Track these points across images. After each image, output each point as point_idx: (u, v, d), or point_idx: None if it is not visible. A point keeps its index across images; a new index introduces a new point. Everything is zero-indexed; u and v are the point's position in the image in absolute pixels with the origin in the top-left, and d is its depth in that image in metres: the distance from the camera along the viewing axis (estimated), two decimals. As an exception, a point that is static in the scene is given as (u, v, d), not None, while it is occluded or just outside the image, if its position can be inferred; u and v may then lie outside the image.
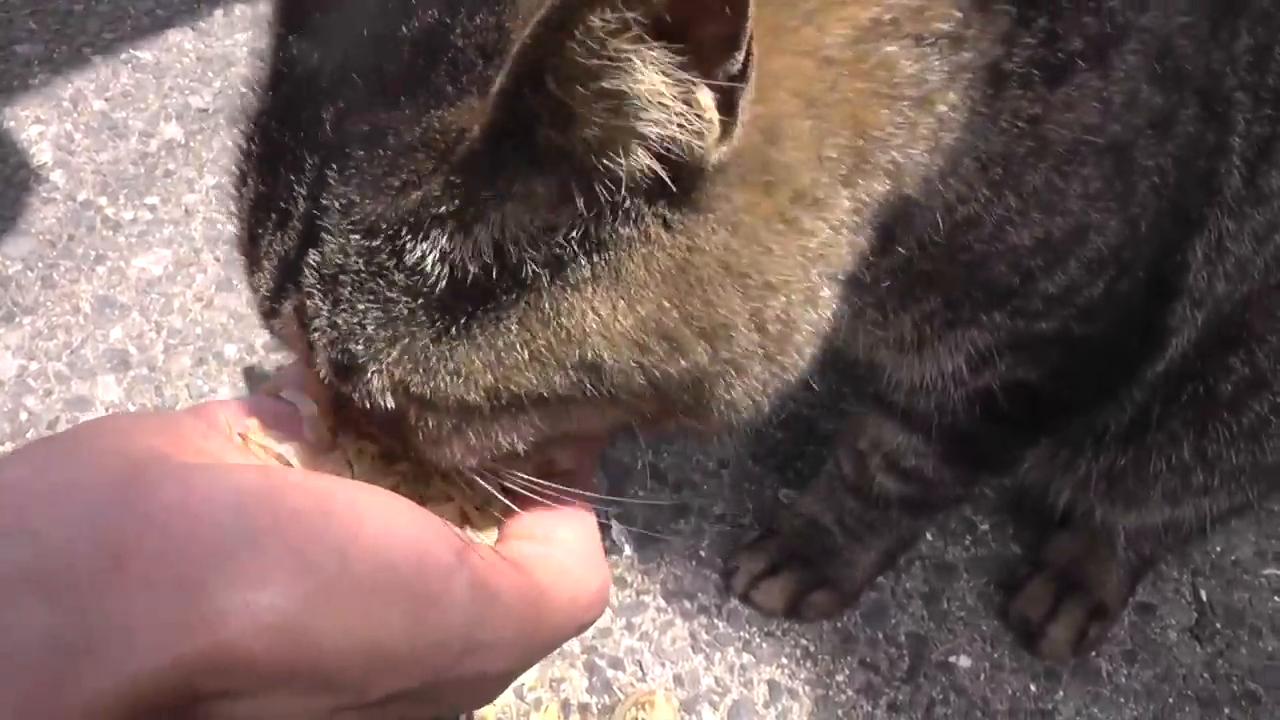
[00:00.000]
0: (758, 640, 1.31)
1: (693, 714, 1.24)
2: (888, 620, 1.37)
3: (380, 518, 0.60)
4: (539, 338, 0.61)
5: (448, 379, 0.62)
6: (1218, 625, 1.45)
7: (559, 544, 0.72)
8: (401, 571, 0.58)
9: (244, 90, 0.68)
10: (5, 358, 1.46)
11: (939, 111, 0.75)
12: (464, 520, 0.74)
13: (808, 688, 1.29)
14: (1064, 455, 1.26)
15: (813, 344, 0.73)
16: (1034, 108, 0.81)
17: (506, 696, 1.22)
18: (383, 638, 0.57)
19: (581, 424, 0.68)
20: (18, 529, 0.52)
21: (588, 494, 0.75)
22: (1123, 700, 1.35)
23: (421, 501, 0.65)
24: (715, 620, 1.32)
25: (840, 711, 1.27)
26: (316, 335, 0.63)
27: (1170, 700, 1.36)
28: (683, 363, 0.64)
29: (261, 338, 1.53)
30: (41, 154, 1.74)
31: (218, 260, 1.61)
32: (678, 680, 1.26)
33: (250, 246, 0.66)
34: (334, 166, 0.60)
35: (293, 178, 0.62)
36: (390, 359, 0.62)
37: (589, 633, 1.28)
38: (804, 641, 1.33)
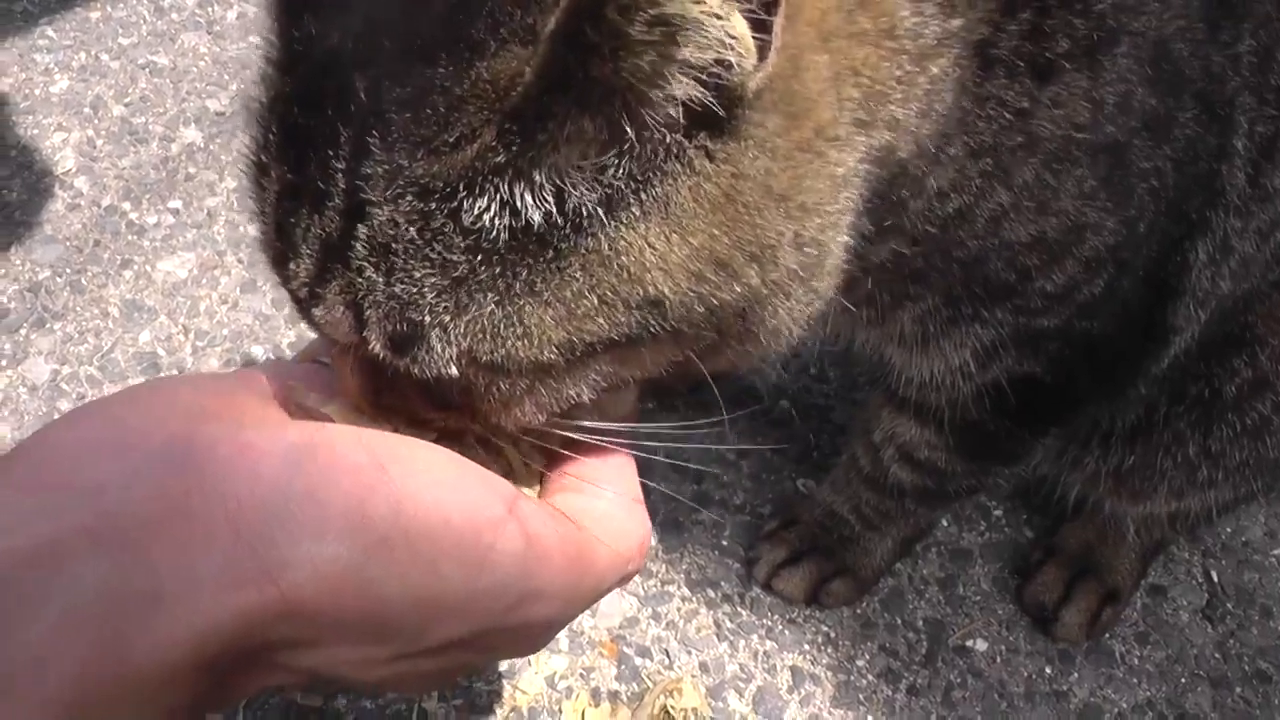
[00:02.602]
0: (780, 627, 1.35)
1: (719, 700, 1.27)
2: (905, 606, 1.40)
3: (433, 470, 0.62)
4: (603, 281, 0.62)
5: (519, 342, 0.62)
6: (1229, 606, 1.48)
7: (601, 494, 0.74)
8: (455, 523, 0.60)
9: (253, 84, 0.68)
10: (38, 362, 1.49)
11: (932, 73, 0.77)
12: (508, 475, 0.75)
13: (829, 673, 1.32)
14: (1072, 452, 1.29)
15: (837, 272, 0.76)
16: (1021, 101, 0.83)
17: (539, 685, 1.25)
18: (438, 587, 0.59)
19: (646, 365, 0.69)
20: (78, 484, 0.55)
21: (631, 441, 0.78)
22: (1136, 681, 1.39)
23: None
24: (738, 608, 1.35)
25: (861, 695, 1.31)
26: (370, 311, 0.62)
27: (1183, 680, 1.40)
28: (736, 288, 0.65)
29: (288, 338, 1.56)
30: (65, 161, 1.76)
31: (241, 262, 1.64)
32: (703, 667, 1.30)
33: (280, 238, 0.65)
34: (375, 134, 0.59)
35: (327, 155, 0.61)
36: (457, 328, 0.62)
37: (616, 621, 1.31)
38: (824, 628, 1.36)
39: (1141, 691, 1.38)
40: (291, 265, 0.65)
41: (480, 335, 0.63)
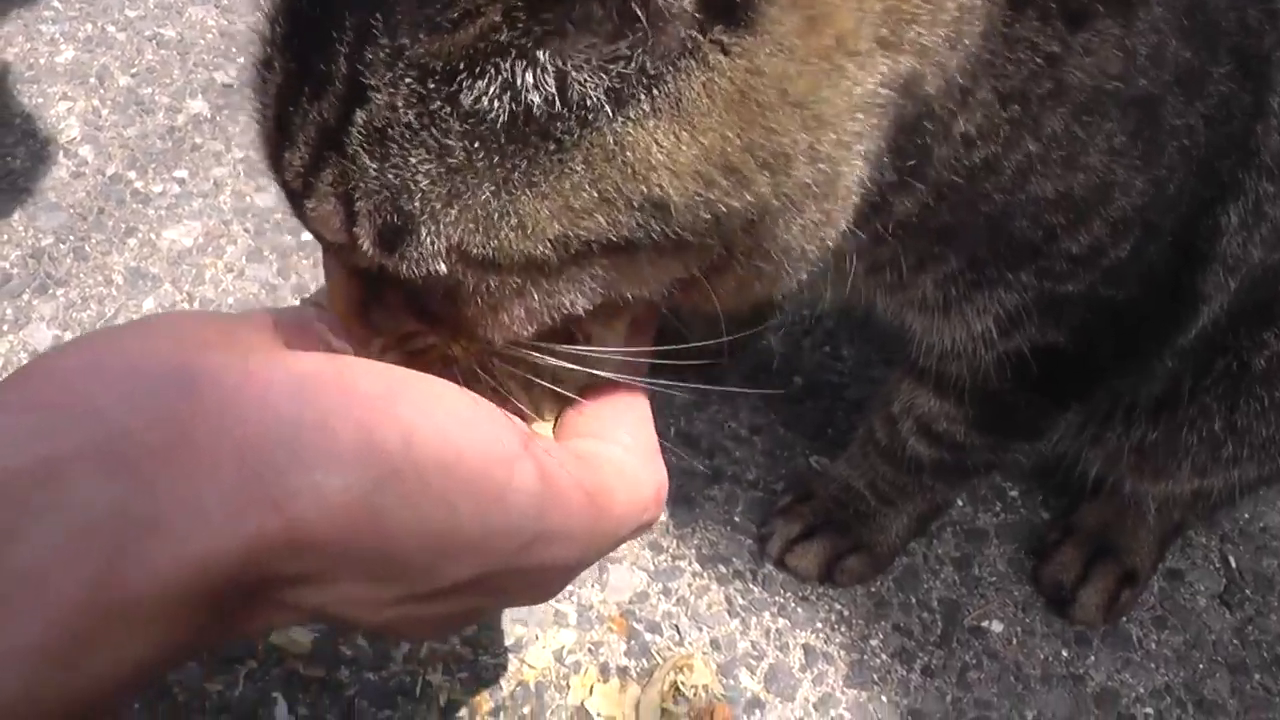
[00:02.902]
0: (792, 605, 1.32)
1: (730, 678, 1.25)
2: (920, 585, 1.37)
3: (446, 404, 0.60)
4: (605, 176, 0.60)
5: (512, 234, 0.60)
6: (1247, 592, 1.46)
7: (617, 441, 0.72)
8: (468, 458, 0.58)
9: None
10: (40, 328, 1.47)
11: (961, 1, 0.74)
12: (521, 417, 0.73)
13: (843, 652, 1.29)
14: (1093, 427, 1.27)
15: (851, 201, 0.73)
16: (1052, 45, 0.80)
17: (546, 659, 1.22)
18: (450, 523, 0.57)
19: (646, 280, 0.67)
20: (83, 409, 0.52)
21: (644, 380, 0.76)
22: (1153, 665, 1.36)
23: None
24: (750, 585, 1.33)
25: (875, 675, 1.28)
26: (361, 203, 0.60)
27: (1201, 666, 1.37)
28: (746, 195, 0.63)
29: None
30: (70, 130, 1.74)
31: (248, 231, 1.61)
32: (714, 644, 1.27)
33: (279, 129, 0.63)
34: (379, 16, 0.57)
35: (331, 38, 0.59)
36: (448, 218, 0.60)
37: (626, 596, 1.29)
38: (838, 606, 1.33)
39: (1159, 676, 1.35)
40: (287, 155, 0.63)
41: (472, 227, 0.60)
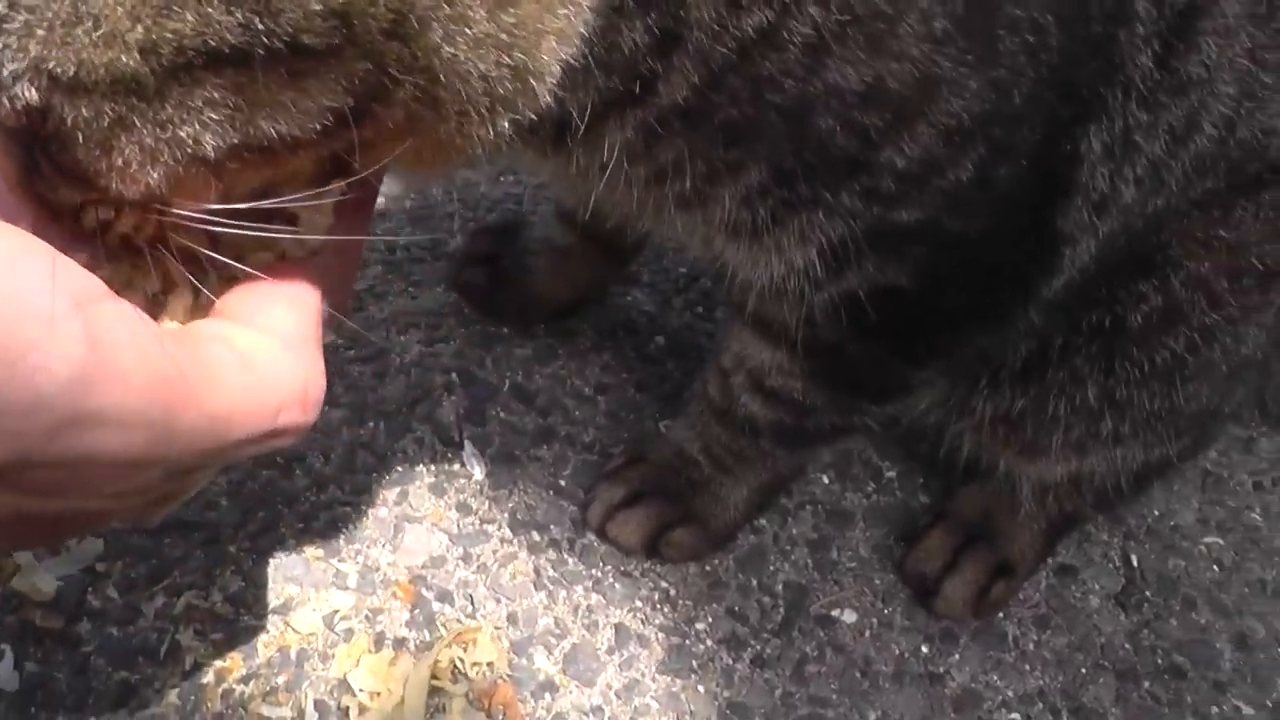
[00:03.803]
0: (610, 580, 1.17)
1: (523, 657, 1.10)
2: (766, 567, 1.22)
3: None
4: None
5: (90, 45, 0.51)
6: (1147, 593, 1.30)
7: (258, 326, 0.60)
8: None
9: None
10: None
11: None
12: (156, 299, 0.62)
13: (661, 635, 1.14)
14: (960, 394, 1.12)
15: (564, 32, 0.61)
16: None
17: (314, 624, 1.08)
18: None
19: (285, 109, 0.55)
20: None
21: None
22: (1028, 667, 1.20)
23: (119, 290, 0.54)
24: (565, 555, 1.18)
25: (695, 662, 1.13)
26: None
27: (1083, 670, 1.21)
28: None
29: None
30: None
31: None
32: (511, 619, 1.12)
33: None
34: None
35: None
36: (18, 28, 0.51)
37: (419, 560, 1.14)
38: (665, 584, 1.18)
39: (1033, 680, 1.20)
40: None
41: (45, 35, 0.51)
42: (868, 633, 1.20)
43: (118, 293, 0.53)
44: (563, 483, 1.23)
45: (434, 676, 1.06)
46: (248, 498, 1.14)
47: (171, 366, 0.52)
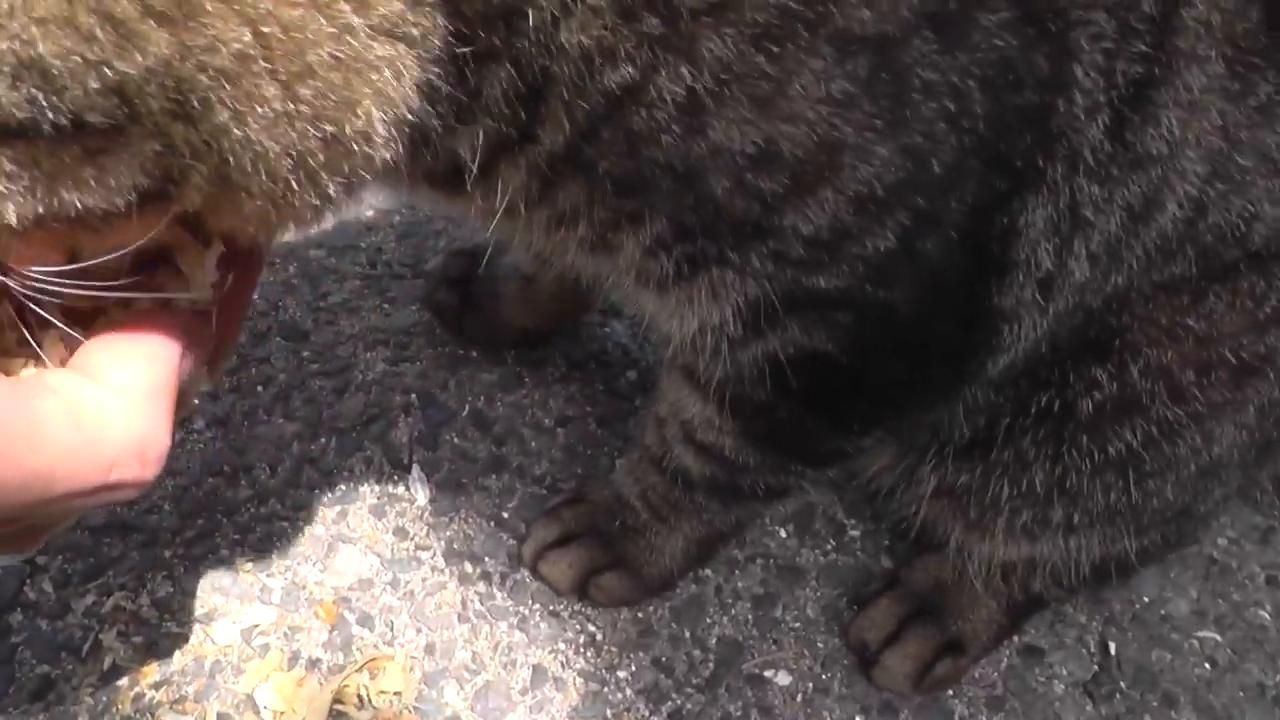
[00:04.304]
0: (537, 619, 1.16)
1: (433, 689, 1.09)
2: (702, 619, 1.19)
3: None
4: None
5: None
6: (1121, 685, 1.23)
7: (102, 379, 0.59)
8: None
9: None
10: None
11: None
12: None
13: (580, 680, 1.12)
14: (909, 462, 1.07)
15: (377, 119, 0.59)
16: None
17: (233, 636, 1.09)
18: None
19: (84, 182, 0.54)
20: None
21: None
22: (970, 752, 1.15)
23: None
24: (495, 589, 1.17)
25: (610, 711, 1.11)
26: None
27: (1032, 762, 1.16)
28: (140, 59, 0.50)
29: None
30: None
31: None
32: (429, 649, 1.12)
33: None
34: None
35: None
36: None
37: (344, 581, 1.14)
38: (592, 628, 1.16)
39: (973, 766, 1.14)
40: None
41: None
42: (800, 697, 1.16)
43: None
44: (506, 515, 1.22)
45: (339, 701, 1.06)
46: (190, 504, 1.16)
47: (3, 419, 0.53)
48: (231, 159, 0.56)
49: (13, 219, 0.54)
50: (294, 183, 0.59)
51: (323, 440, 1.23)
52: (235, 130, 0.55)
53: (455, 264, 1.34)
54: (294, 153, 0.57)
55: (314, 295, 1.33)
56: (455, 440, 1.26)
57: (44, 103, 0.50)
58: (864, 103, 0.72)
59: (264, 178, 0.57)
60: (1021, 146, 0.80)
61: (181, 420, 1.18)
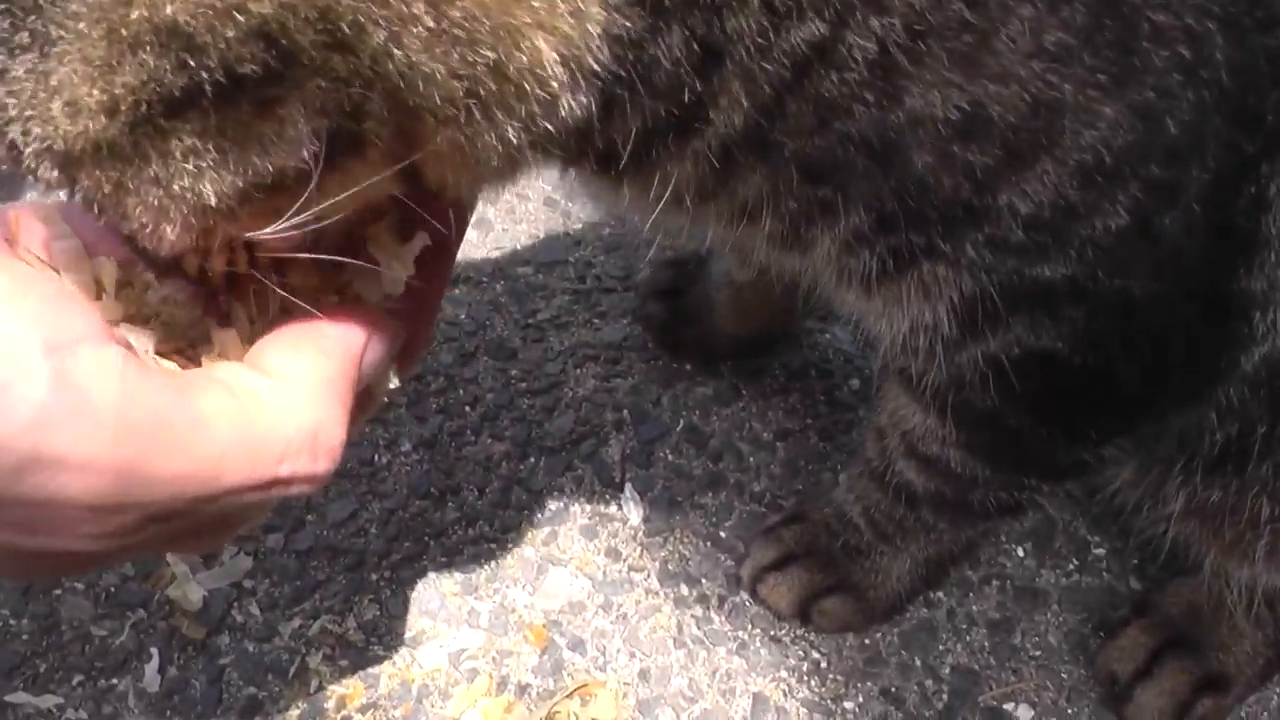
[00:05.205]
0: (757, 644, 1.10)
1: (648, 717, 1.04)
2: (935, 646, 1.11)
3: None
4: (97, 8, 0.48)
5: (63, 117, 0.50)
6: None
7: (271, 371, 0.58)
8: None
9: None
10: None
11: None
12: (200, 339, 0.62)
13: (804, 710, 1.06)
14: (1154, 478, 0.97)
15: (555, 57, 0.55)
16: None
17: (440, 660, 1.07)
18: None
19: (262, 140, 0.53)
20: None
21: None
22: (1240, 800, 1.04)
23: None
24: (712, 613, 1.12)
25: (836, 745, 1.04)
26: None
27: (1313, 814, 1.03)
28: None
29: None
30: None
31: None
32: (643, 676, 1.07)
33: None
34: None
35: None
36: (12, 112, 0.50)
37: (555, 604, 1.11)
38: (816, 655, 1.10)
39: (1244, 816, 1.03)
40: None
41: (33, 114, 0.50)
42: (1043, 733, 1.07)
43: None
44: (723, 534, 1.17)
45: (549, 728, 1.03)
46: (396, 527, 1.15)
47: (151, 413, 0.51)
48: (401, 81, 0.52)
49: (211, 198, 0.52)
50: (473, 112, 0.55)
51: (532, 460, 1.20)
52: (395, 50, 0.51)
53: (665, 275, 1.29)
54: (462, 76, 0.53)
55: (522, 313, 1.31)
56: (669, 457, 1.22)
57: (193, 64, 0.48)
58: (1084, 55, 0.64)
59: (438, 101, 0.54)
60: (1273, 100, 0.70)
61: (388, 443, 1.19)
